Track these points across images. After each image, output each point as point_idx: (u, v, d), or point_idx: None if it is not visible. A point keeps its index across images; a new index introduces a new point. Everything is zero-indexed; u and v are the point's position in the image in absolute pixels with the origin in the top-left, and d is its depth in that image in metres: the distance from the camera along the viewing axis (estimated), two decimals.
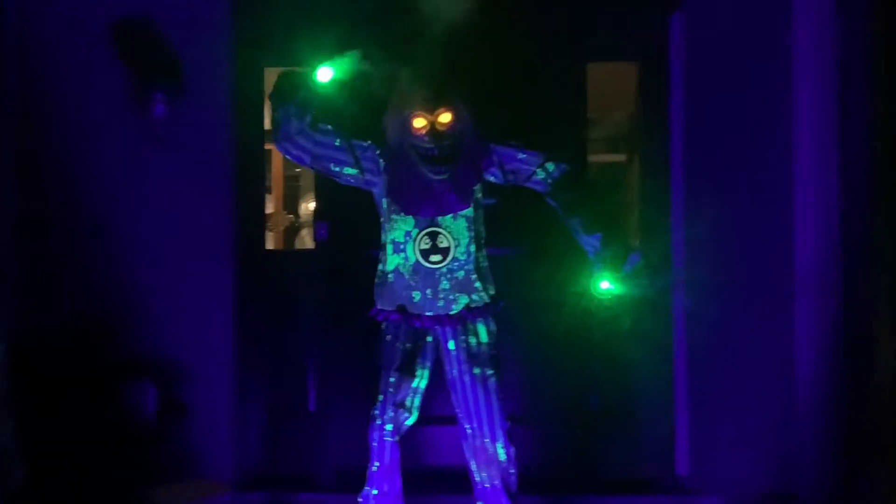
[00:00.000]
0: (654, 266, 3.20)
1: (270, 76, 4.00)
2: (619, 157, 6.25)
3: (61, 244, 3.85)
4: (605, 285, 2.90)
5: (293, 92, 2.91)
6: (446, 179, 2.92)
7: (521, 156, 3.00)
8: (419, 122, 2.88)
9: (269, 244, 5.90)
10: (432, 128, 2.86)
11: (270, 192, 6.64)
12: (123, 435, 3.58)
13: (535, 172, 2.99)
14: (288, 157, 3.08)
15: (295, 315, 4.01)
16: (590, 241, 2.92)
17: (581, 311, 3.18)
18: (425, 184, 2.93)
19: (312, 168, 3.09)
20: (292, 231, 6.22)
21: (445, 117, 2.88)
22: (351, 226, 3.78)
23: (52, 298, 3.84)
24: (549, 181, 2.98)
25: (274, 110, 2.96)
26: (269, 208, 6.46)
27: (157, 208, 3.87)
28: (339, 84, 2.93)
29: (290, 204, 6.34)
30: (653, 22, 3.98)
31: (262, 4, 3.93)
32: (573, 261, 3.81)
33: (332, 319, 3.94)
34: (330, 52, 2.94)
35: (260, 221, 4.14)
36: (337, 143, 3.00)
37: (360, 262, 3.52)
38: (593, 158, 6.31)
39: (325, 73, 2.89)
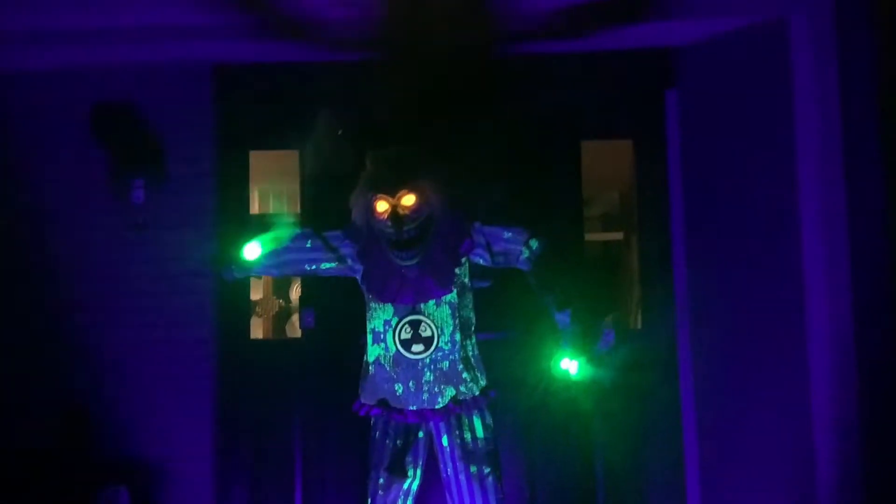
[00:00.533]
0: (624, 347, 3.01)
1: (255, 159, 3.93)
2: (617, 236, 6.14)
3: (36, 335, 3.68)
4: (566, 365, 2.71)
5: (229, 266, 2.89)
6: (416, 265, 2.71)
7: (507, 234, 2.80)
8: (381, 206, 2.69)
9: (258, 331, 5.72)
10: (394, 211, 2.67)
11: (259, 278, 6.50)
12: None
13: (521, 252, 2.81)
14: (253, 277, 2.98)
15: (281, 408, 3.80)
16: (561, 319, 2.75)
17: (541, 392, 3.01)
18: (399, 270, 2.73)
19: (283, 275, 2.96)
20: (283, 317, 6.02)
21: (408, 200, 2.67)
22: (340, 312, 3.59)
23: (27, 396, 3.64)
24: (532, 259, 2.80)
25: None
26: (259, 293, 6.30)
27: (137, 296, 3.72)
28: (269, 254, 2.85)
29: (282, 289, 6.16)
30: (647, 99, 3.89)
31: (243, 89, 3.84)
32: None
33: (321, 412, 3.74)
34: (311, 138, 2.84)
35: (244, 310, 3.95)
36: (308, 245, 2.84)
37: (351, 350, 3.32)
38: (590, 237, 6.25)
39: (252, 251, 2.82)
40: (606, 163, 4.36)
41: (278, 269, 2.88)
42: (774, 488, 3.50)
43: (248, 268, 2.87)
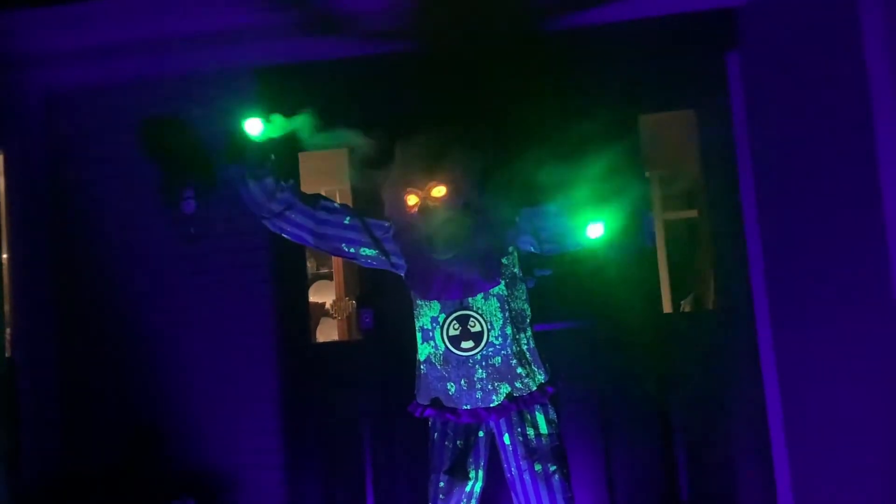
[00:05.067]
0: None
1: (304, 160, 3.86)
2: (693, 213, 5.89)
3: (97, 352, 3.72)
4: (592, 231, 2.48)
5: (236, 153, 2.62)
6: (456, 259, 2.54)
7: (552, 209, 2.60)
8: (411, 200, 2.54)
9: (334, 332, 5.70)
10: (423, 204, 2.52)
11: (332, 279, 6.49)
12: None
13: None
14: (285, 235, 2.72)
15: (348, 411, 3.73)
16: (560, 222, 2.57)
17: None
18: (442, 264, 2.57)
19: (319, 249, 2.78)
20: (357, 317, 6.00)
21: (438, 191, 2.51)
22: (397, 311, 3.49)
23: (95, 412, 3.68)
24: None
25: (236, 187, 2.66)
26: (332, 295, 6.29)
27: (197, 306, 3.71)
28: (275, 140, 2.62)
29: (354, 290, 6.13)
30: (708, 64, 3.64)
31: (287, 90, 3.75)
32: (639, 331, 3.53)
33: (387, 414, 3.65)
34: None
35: (303, 314, 3.89)
36: (346, 222, 2.68)
37: (411, 349, 3.22)
38: (668, 216, 6.02)
39: (253, 126, 2.57)
40: (672, 136, 4.15)
41: (314, 238, 2.69)
42: (867, 469, 3.24)
43: (259, 162, 2.63)
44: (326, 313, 6.10)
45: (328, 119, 3.75)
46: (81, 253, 3.76)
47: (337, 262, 5.77)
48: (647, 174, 4.97)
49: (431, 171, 2.52)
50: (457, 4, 3.36)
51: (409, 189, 2.55)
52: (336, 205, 2.71)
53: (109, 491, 3.44)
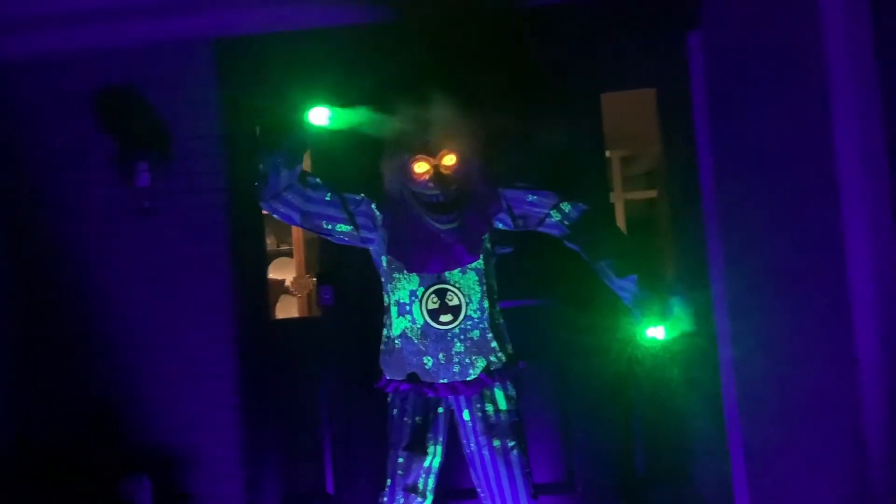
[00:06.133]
0: (697, 306, 2.82)
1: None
2: (652, 194, 5.93)
3: (50, 329, 3.63)
4: (653, 332, 2.53)
5: (282, 139, 2.57)
6: (454, 229, 2.59)
7: (531, 198, 2.67)
8: (421, 167, 2.56)
9: (293, 310, 5.66)
10: (436, 172, 2.55)
11: (292, 256, 6.44)
12: None
13: (548, 215, 2.66)
14: (276, 216, 2.73)
15: (306, 388, 3.70)
16: (624, 285, 2.55)
17: (628, 359, 2.91)
18: (430, 236, 2.60)
19: (303, 227, 2.77)
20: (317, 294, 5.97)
21: (450, 160, 2.56)
22: (357, 287, 3.48)
23: (47, 390, 3.61)
24: (566, 223, 2.64)
25: (261, 162, 2.60)
26: (292, 272, 6.24)
27: (150, 284, 3.64)
28: (335, 132, 2.62)
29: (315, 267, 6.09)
30: (669, 43, 3.64)
31: (250, 61, 3.69)
32: (605, 309, 3.54)
33: (347, 391, 3.63)
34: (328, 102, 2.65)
35: (262, 290, 3.84)
36: (328, 198, 2.68)
37: (372, 325, 3.21)
38: (629, 196, 6.06)
39: (319, 115, 2.55)
40: (635, 116, 4.16)
41: (302, 216, 2.69)
42: (820, 447, 3.31)
43: (303, 148, 2.63)
44: (286, 291, 6.05)
45: (288, 92, 3.75)
46: (31, 228, 3.67)
47: (297, 238, 5.73)
48: (607, 154, 4.99)
49: (443, 138, 2.54)
50: None
51: (418, 157, 2.53)
52: (318, 180, 2.70)
53: (63, 469, 3.39)
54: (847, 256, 3.14)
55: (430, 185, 2.56)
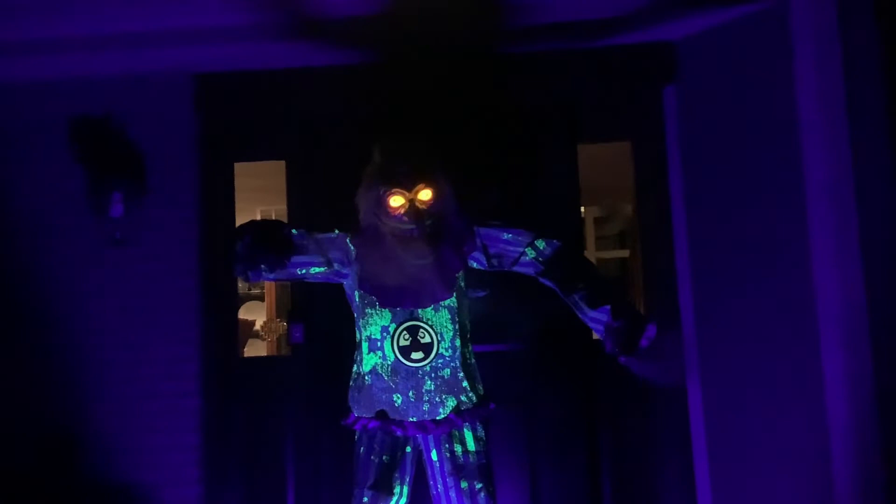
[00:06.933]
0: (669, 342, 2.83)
1: (240, 170, 3.80)
2: (624, 253, 5.99)
3: (15, 356, 3.55)
4: (626, 362, 2.48)
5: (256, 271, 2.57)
6: (428, 265, 2.56)
7: (506, 236, 2.65)
8: (396, 201, 2.54)
9: (262, 353, 5.59)
10: (412, 206, 2.54)
11: (263, 300, 6.38)
12: None
13: (523, 253, 2.64)
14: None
15: (273, 427, 3.64)
16: (596, 317, 2.51)
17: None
18: (403, 271, 2.57)
19: (276, 280, 2.75)
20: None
21: (426, 194, 2.54)
22: (328, 325, 3.45)
23: (5, 418, 3.51)
24: (541, 259, 2.63)
25: (236, 267, 2.57)
26: (263, 316, 6.19)
27: (119, 314, 3.58)
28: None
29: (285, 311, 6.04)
30: (646, 97, 3.71)
31: (227, 97, 3.70)
32: (576, 354, 3.53)
33: (314, 430, 3.58)
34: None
35: (233, 327, 3.79)
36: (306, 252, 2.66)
37: (344, 364, 3.17)
38: (600, 255, 6.11)
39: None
40: (609, 168, 4.21)
41: (275, 275, 2.64)
42: (786, 482, 3.30)
43: (281, 266, 2.60)
44: (256, 334, 5.99)
45: (266, 129, 3.77)
46: None
47: (268, 283, 5.70)
48: (582, 211, 5.04)
49: (419, 173, 2.53)
50: (404, 20, 3.36)
51: (394, 190, 2.53)
52: (293, 232, 2.67)
53: (15, 501, 3.27)
54: (819, 316, 3.19)
55: (405, 219, 2.54)
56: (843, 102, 3.19)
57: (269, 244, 2.56)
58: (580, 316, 2.57)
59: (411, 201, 2.54)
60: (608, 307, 2.49)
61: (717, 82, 3.53)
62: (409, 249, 2.55)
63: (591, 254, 6.12)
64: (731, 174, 3.50)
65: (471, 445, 2.64)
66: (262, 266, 2.56)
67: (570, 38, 3.55)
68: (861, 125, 3.18)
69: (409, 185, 2.54)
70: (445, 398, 2.61)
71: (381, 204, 2.56)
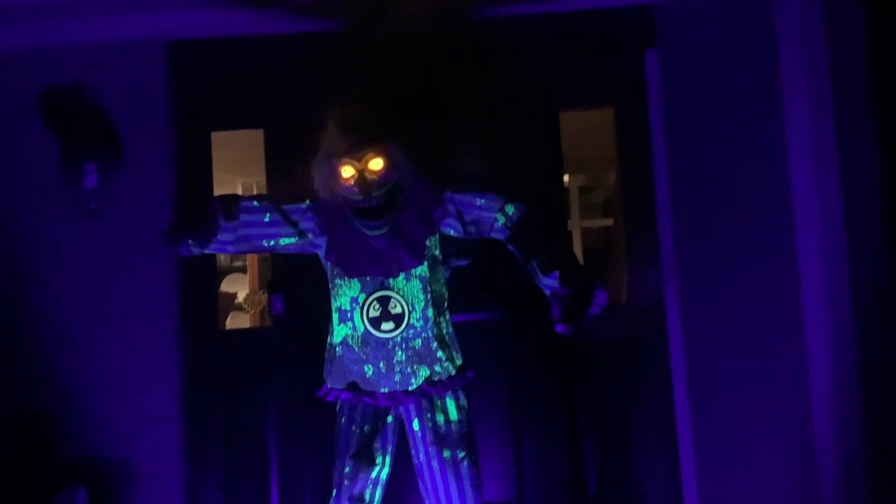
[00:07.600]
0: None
1: (218, 140, 3.74)
2: (608, 222, 5.98)
3: None
4: (561, 330, 2.42)
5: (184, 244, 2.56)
6: (385, 235, 2.52)
7: (479, 202, 2.58)
8: (347, 171, 2.47)
9: (247, 326, 5.56)
10: (361, 176, 2.46)
11: (246, 272, 6.33)
12: None
13: (495, 219, 2.60)
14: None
15: (253, 400, 3.61)
16: (548, 283, 2.46)
17: None
18: (366, 242, 2.54)
19: (239, 253, 2.71)
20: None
21: (376, 164, 2.46)
22: (310, 296, 3.40)
23: None
24: (509, 226, 2.58)
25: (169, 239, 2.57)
26: (245, 288, 6.13)
27: (95, 288, 3.53)
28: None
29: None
30: (627, 62, 3.66)
31: (201, 67, 3.63)
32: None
33: (295, 402, 3.55)
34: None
35: (212, 299, 3.76)
36: (266, 219, 2.61)
37: (325, 335, 3.14)
38: (584, 224, 6.10)
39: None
40: (592, 139, 4.17)
41: (234, 245, 2.62)
42: (771, 465, 3.29)
43: (206, 242, 2.60)
44: (238, 307, 5.94)
45: (242, 98, 3.70)
46: None
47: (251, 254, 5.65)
48: (566, 180, 5.01)
49: (369, 142, 2.47)
50: None
51: (345, 160, 2.47)
52: (254, 204, 2.62)
53: None
54: (801, 272, 3.16)
55: (355, 189, 2.48)
56: (826, 65, 3.14)
57: (193, 219, 2.52)
58: (537, 283, 2.53)
59: (361, 171, 2.48)
60: (557, 273, 2.45)
61: (698, 45, 3.47)
62: (363, 220, 2.50)
63: (576, 223, 6.11)
64: (715, 138, 3.46)
65: (453, 415, 2.62)
66: (189, 241, 2.53)
67: (548, 1, 3.49)
68: (845, 88, 3.14)
69: (358, 155, 2.48)
70: (417, 368, 2.57)
71: (334, 174, 2.51)
